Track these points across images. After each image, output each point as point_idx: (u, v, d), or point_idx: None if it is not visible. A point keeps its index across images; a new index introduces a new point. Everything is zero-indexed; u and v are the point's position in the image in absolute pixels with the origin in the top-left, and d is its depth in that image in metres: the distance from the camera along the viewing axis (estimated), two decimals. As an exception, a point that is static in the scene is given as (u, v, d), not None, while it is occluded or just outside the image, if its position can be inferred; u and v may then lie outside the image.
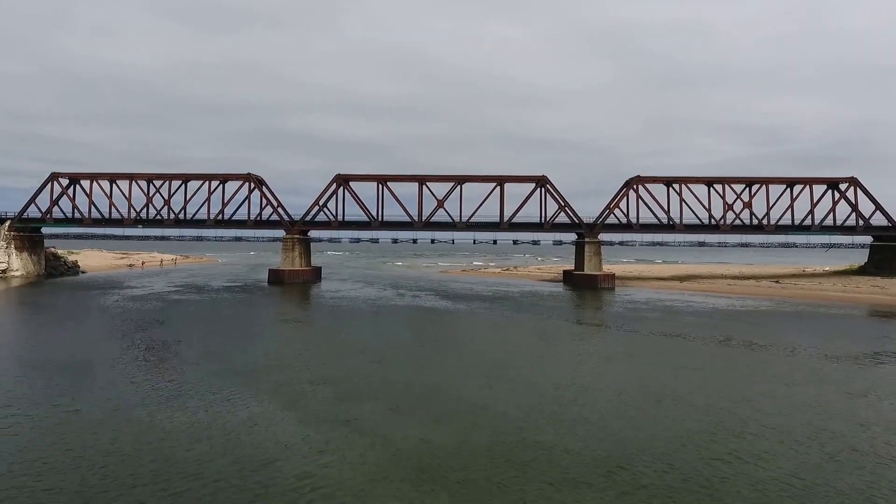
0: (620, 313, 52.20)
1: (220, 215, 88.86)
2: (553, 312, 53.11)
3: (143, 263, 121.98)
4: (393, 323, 46.17)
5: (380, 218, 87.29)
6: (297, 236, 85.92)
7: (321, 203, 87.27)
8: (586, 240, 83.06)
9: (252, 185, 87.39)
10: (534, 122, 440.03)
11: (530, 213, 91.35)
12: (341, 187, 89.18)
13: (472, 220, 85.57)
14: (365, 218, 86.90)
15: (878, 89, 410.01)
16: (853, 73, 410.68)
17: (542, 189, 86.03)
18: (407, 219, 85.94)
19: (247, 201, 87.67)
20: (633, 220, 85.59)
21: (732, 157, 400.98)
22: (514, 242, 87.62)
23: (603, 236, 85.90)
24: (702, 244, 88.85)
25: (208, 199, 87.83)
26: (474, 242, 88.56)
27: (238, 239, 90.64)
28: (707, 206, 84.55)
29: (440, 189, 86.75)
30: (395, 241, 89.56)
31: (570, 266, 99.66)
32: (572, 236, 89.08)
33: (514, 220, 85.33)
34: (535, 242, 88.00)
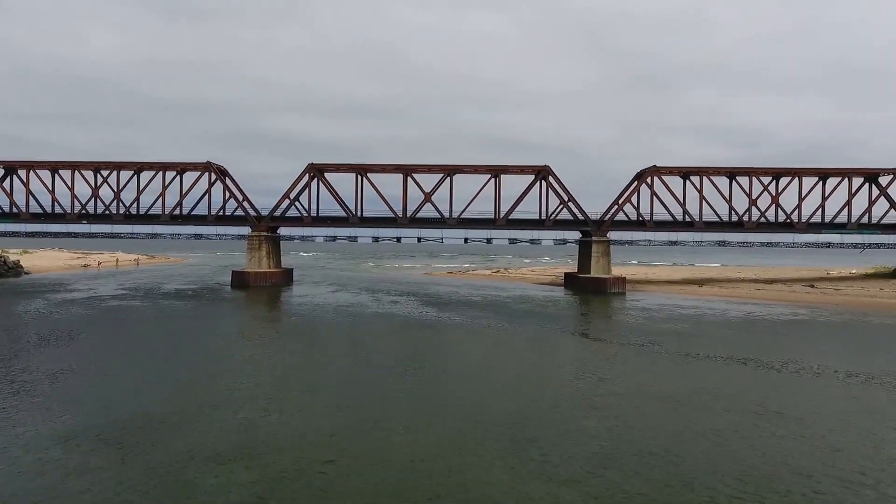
0: (638, 326, 44.14)
1: (178, 210, 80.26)
2: (556, 324, 45.03)
3: (99, 264, 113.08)
4: (366, 340, 37.95)
5: (359, 213, 78.93)
6: (265, 234, 77.41)
7: (292, 197, 78.80)
8: (594, 238, 74.98)
9: (213, 176, 78.81)
10: (516, 125, 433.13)
11: (529, 209, 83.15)
12: (315, 179, 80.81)
13: (464, 215, 77.31)
14: (342, 213, 78.49)
15: (867, 90, 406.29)
16: (842, 73, 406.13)
17: (543, 182, 77.94)
18: (390, 214, 77.62)
19: (208, 194, 79.04)
20: (646, 217, 77.58)
21: (714, 159, 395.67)
22: (511, 242, 79.45)
23: (611, 235, 77.85)
24: (722, 244, 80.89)
25: (163, 193, 79.22)
26: (466, 241, 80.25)
27: (198, 237, 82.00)
28: (729, 201, 76.70)
29: (428, 182, 78.69)
30: (375, 239, 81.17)
31: (571, 268, 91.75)
32: (576, 235, 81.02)
33: (512, 216, 77.14)
34: (534, 242, 79.88)
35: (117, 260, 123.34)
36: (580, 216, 76.34)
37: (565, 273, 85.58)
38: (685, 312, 52.98)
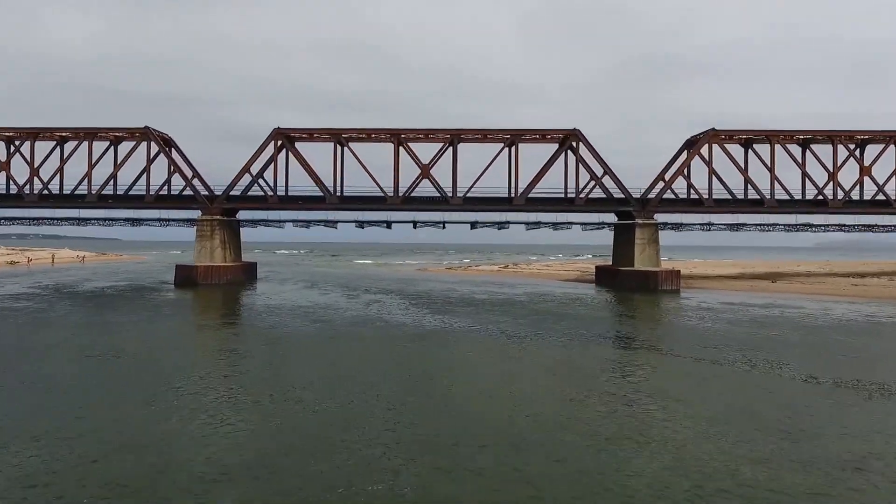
0: (723, 334, 29.68)
1: (111, 188, 65.02)
2: (596, 330, 30.75)
3: (29, 261, 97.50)
4: (337, 363, 23.68)
5: (338, 191, 63.97)
6: (218, 218, 62.30)
7: (254, 172, 63.72)
8: (638, 221, 60.36)
9: (154, 147, 63.62)
10: (511, 117, 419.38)
11: (553, 186, 68.21)
12: (283, 150, 65.76)
13: (472, 193, 62.49)
14: (317, 192, 63.46)
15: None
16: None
17: (570, 151, 63.35)
18: (378, 193, 62.72)
19: (146, 170, 63.82)
20: (696, 194, 63.07)
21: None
22: (530, 227, 64.62)
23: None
24: (801, 227, 66.23)
25: (90, 168, 64.03)
26: (474, 227, 65.29)
27: (135, 222, 66.70)
28: (803, 173, 62.38)
29: (426, 152, 63.74)
30: (360, 224, 66.18)
31: (600, 260, 77.17)
32: (609, 218, 66.42)
33: (532, 194, 62.39)
34: (559, 227, 65.12)
35: (53, 256, 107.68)
36: (620, 193, 61.67)
37: (596, 267, 71.00)
38: (776, 314, 38.80)
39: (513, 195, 62.93)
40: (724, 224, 66.07)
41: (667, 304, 46.10)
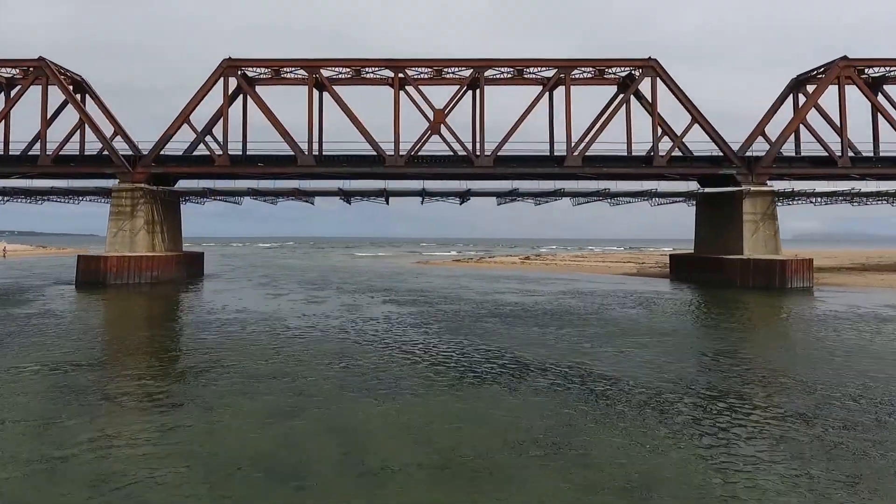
0: None
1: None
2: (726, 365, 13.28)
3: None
4: (296, 450, 5.30)
5: (315, 150, 46.21)
6: (143, 186, 44.32)
7: (199, 127, 45.79)
8: (749, 188, 43.09)
9: (53, 87, 45.49)
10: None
11: (612, 142, 50.55)
12: (240, 94, 47.92)
13: (506, 151, 44.96)
14: (286, 150, 45.63)
15: None
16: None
17: (635, 97, 46.23)
18: (370, 151, 45.01)
19: (43, 120, 45.70)
20: (824, 149, 45.99)
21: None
22: (588, 198, 46.95)
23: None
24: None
25: (-42, 113, 45.82)
26: (508, 198, 47.28)
27: (24, 195, 48.41)
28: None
29: (438, 96, 46.16)
30: (346, 198, 48.24)
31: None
32: (690, 186, 49.12)
33: (591, 151, 44.97)
34: (627, 198, 47.43)
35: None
36: (721, 150, 44.40)
37: (671, 256, 53.83)
38: None
39: (568, 151, 45.49)
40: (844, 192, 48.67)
41: (816, 310, 29.06)
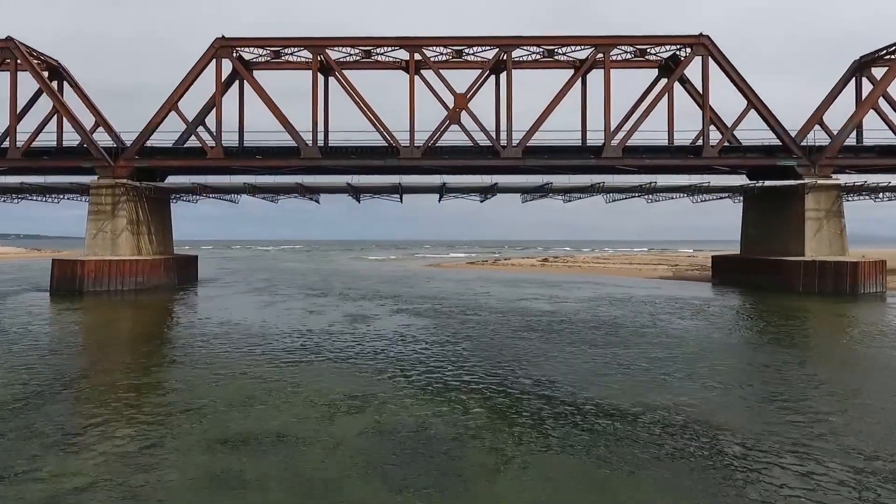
0: None
1: (-40, 141, 41.88)
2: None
3: None
4: None
5: (320, 141, 41.24)
6: (126, 182, 39.31)
7: (190, 118, 40.84)
8: (813, 182, 38.10)
9: (23, 71, 40.50)
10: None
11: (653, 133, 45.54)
12: (236, 80, 43.03)
13: (536, 142, 40.00)
14: (288, 141, 40.66)
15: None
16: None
17: (681, 82, 41.32)
18: (381, 142, 40.03)
19: (11, 108, 40.70)
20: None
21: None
22: (626, 194, 41.91)
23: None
24: None
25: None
26: (538, 194, 42.08)
27: (6, 196, 43.39)
28: None
29: (459, 81, 41.17)
30: (355, 193, 43.17)
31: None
32: (738, 180, 44.06)
33: (632, 141, 39.97)
34: (654, 196, 42.20)
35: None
36: (781, 138, 39.43)
37: (715, 258, 48.71)
38: None
39: (606, 141, 40.56)
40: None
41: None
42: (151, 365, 16.46)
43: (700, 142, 41.45)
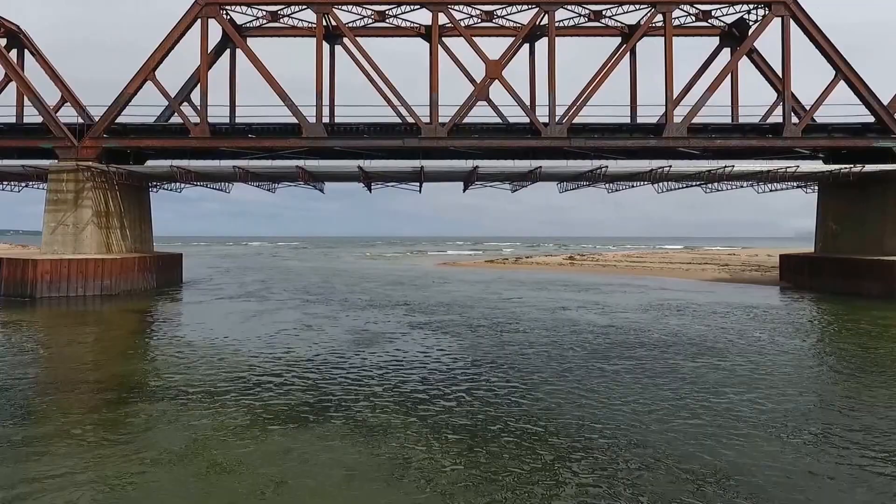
0: None
1: None
2: None
3: None
4: None
5: (326, 117, 34.79)
6: (93, 166, 32.82)
7: (172, 93, 34.40)
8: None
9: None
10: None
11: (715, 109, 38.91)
12: (226, 49, 36.74)
13: (582, 119, 33.63)
14: (286, 117, 34.20)
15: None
16: None
17: (751, 54, 34.99)
18: (395, 119, 33.55)
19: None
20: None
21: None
22: (687, 181, 35.49)
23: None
24: None
25: None
26: (585, 181, 35.52)
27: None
28: None
29: (490, 48, 34.61)
30: (367, 180, 36.56)
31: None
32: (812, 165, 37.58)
33: (698, 119, 33.59)
34: (746, 180, 35.66)
35: None
36: (873, 116, 33.09)
37: (786, 258, 42.23)
38: None
39: (668, 115, 34.26)
40: None
41: None
42: (48, 438, 10.03)
43: (769, 120, 35.14)
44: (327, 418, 10.87)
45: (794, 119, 34.12)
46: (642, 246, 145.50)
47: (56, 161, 33.28)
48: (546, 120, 33.52)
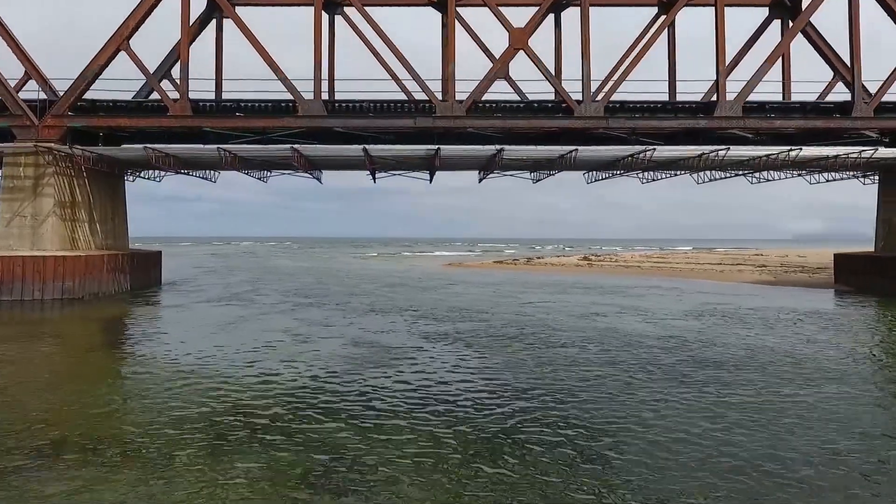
0: None
1: None
2: None
3: None
4: None
5: (325, 93, 30.35)
6: (55, 148, 28.28)
7: (152, 68, 29.89)
8: None
9: None
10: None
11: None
12: (212, 18, 32.27)
13: (619, 96, 29.37)
14: (280, 92, 29.75)
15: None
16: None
17: (804, 28, 30.87)
18: (399, 94, 29.10)
19: None
20: None
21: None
22: (740, 169, 31.19)
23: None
24: None
25: None
26: (626, 168, 31.11)
27: None
28: None
29: (516, 16, 30.25)
30: (372, 167, 32.22)
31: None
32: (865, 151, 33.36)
33: (753, 96, 29.38)
34: (807, 165, 31.31)
35: None
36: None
37: (841, 257, 38.01)
38: None
39: (718, 97, 30.06)
40: None
41: None
42: None
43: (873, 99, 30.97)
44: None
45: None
46: (642, 247, 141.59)
47: (12, 143, 28.76)
48: (578, 97, 29.27)
